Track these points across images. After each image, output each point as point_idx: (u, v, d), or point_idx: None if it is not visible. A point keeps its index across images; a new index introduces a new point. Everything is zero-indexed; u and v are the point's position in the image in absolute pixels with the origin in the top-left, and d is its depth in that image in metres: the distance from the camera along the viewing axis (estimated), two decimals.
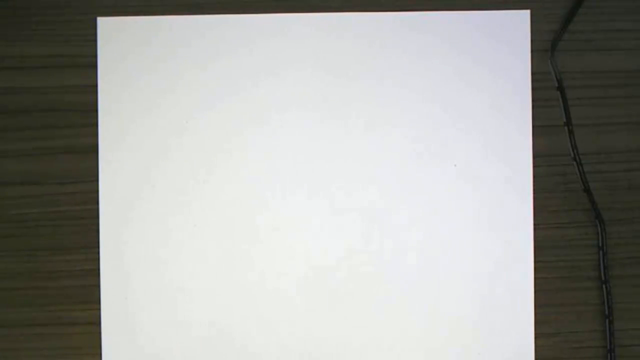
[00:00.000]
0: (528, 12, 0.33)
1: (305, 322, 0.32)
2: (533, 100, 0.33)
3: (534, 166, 0.33)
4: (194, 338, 0.32)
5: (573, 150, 0.32)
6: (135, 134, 0.32)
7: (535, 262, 0.33)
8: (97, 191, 0.32)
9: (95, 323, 0.32)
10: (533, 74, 0.33)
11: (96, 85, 0.33)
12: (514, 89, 0.33)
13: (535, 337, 0.33)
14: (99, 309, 0.32)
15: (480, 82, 0.33)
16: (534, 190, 0.33)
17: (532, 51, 0.34)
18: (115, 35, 0.32)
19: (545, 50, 0.34)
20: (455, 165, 0.33)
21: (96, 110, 0.33)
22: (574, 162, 0.32)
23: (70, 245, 0.32)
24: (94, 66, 0.33)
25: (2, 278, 0.33)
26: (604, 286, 0.33)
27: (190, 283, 0.32)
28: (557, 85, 0.32)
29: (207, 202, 0.33)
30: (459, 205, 0.33)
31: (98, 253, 0.32)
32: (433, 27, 0.32)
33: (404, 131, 0.33)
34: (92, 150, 0.33)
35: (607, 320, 0.33)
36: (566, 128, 0.32)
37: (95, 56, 0.33)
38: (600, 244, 0.33)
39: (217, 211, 0.33)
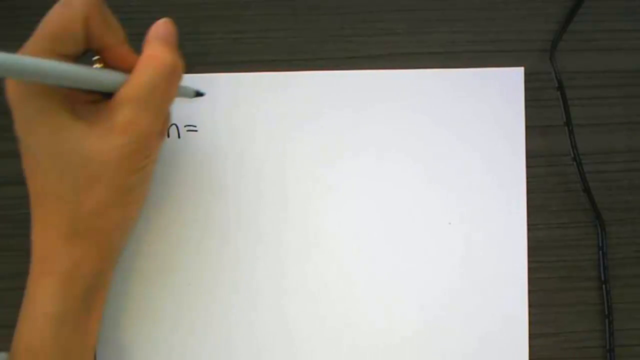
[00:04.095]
0: (522, 69, 0.33)
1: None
2: (532, 100, 0.33)
3: (534, 166, 0.33)
4: (190, 338, 0.32)
5: (573, 150, 0.32)
6: None
7: (535, 262, 0.33)
8: None
9: None
10: (533, 73, 0.33)
11: None
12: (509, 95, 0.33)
13: (535, 337, 0.33)
14: None
15: (474, 93, 0.33)
16: (534, 190, 0.33)
17: (532, 51, 0.34)
18: None
19: (545, 50, 0.34)
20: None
21: None
22: (574, 162, 0.32)
23: None
24: None
25: (2, 278, 0.33)
26: (604, 286, 0.33)
27: (186, 282, 0.32)
28: (557, 85, 0.32)
29: (203, 199, 0.33)
30: (454, 210, 0.33)
31: None
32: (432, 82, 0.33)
33: (409, 149, 0.33)
34: None
35: (606, 320, 0.33)
36: (566, 128, 0.32)
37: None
38: (600, 244, 0.33)
39: (214, 209, 0.33)
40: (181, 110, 0.33)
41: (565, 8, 0.34)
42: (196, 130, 0.33)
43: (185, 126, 0.33)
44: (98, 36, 0.26)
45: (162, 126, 0.28)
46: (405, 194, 0.33)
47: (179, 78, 0.27)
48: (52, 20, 0.25)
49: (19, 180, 0.33)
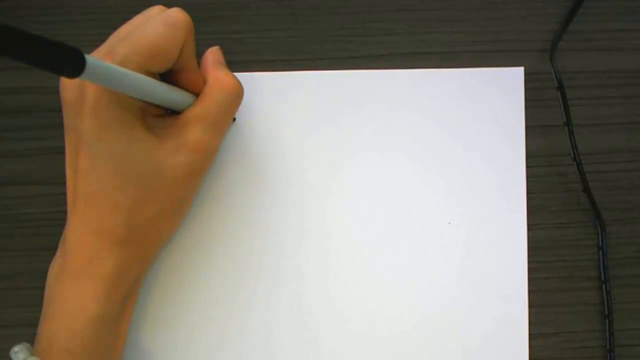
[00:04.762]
0: (522, 69, 0.33)
1: None
2: (532, 100, 0.33)
3: (534, 166, 0.33)
4: (192, 337, 0.32)
5: (573, 150, 0.32)
6: None
7: (535, 262, 0.33)
8: None
9: None
10: (533, 73, 0.34)
11: None
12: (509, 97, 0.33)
13: (535, 337, 0.33)
14: None
15: (475, 95, 0.33)
16: (534, 190, 0.33)
17: (532, 50, 0.34)
18: None
19: (545, 50, 0.34)
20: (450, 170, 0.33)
21: None
22: (574, 162, 0.32)
23: None
24: None
25: (2, 278, 0.33)
26: (603, 286, 0.33)
27: (188, 281, 0.32)
28: (557, 85, 0.32)
29: (204, 199, 0.33)
30: (453, 208, 0.33)
31: None
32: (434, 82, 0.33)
33: (410, 153, 0.33)
34: None
35: (606, 320, 0.33)
36: (566, 128, 0.32)
37: None
38: (600, 244, 0.33)
39: (214, 209, 0.33)
40: None
41: (565, 8, 0.34)
42: None
43: None
44: (185, 59, 0.27)
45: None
46: (405, 193, 0.33)
47: (241, 101, 0.30)
48: (153, 40, 0.25)
49: (19, 180, 0.33)
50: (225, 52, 0.33)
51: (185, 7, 0.33)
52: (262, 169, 0.33)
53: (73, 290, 0.27)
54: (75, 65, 0.21)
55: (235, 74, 0.33)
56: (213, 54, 0.30)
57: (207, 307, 0.32)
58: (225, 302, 0.32)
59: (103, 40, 0.28)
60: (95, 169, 0.26)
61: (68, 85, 0.26)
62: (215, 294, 0.32)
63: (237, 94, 0.29)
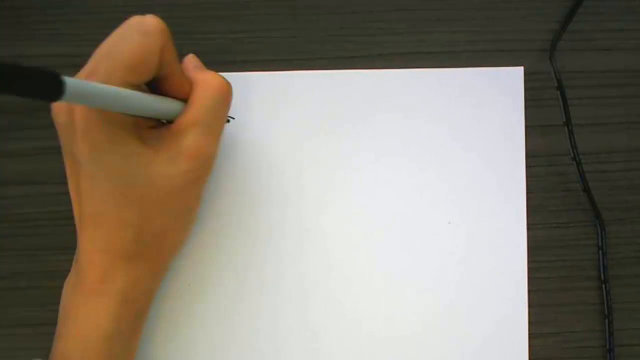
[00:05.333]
0: (522, 69, 0.33)
1: None
2: (532, 100, 0.33)
3: (534, 166, 0.33)
4: (193, 337, 0.32)
5: (573, 150, 0.32)
6: None
7: (535, 262, 0.33)
8: None
9: None
10: (533, 73, 0.34)
11: None
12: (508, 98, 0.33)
13: (535, 337, 0.33)
14: None
15: (473, 94, 0.33)
16: (534, 190, 0.33)
17: (532, 50, 0.34)
18: None
19: (545, 50, 0.34)
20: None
21: None
22: (574, 162, 0.32)
23: (70, 245, 0.32)
24: None
25: (2, 278, 0.33)
26: (604, 286, 0.33)
27: (188, 281, 0.32)
28: (557, 85, 0.32)
29: (207, 203, 0.33)
30: (455, 207, 0.33)
31: None
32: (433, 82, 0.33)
33: (408, 154, 0.33)
34: None
35: (606, 320, 0.33)
36: (566, 128, 0.32)
37: None
38: (600, 244, 0.33)
39: (214, 209, 0.33)
40: None
41: (565, 8, 0.34)
42: None
43: None
44: (167, 65, 0.26)
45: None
46: (405, 193, 0.33)
47: (231, 100, 0.29)
48: (131, 52, 0.25)
49: (19, 180, 0.33)
50: (225, 52, 0.33)
51: (185, 8, 0.33)
52: (261, 169, 0.33)
53: (86, 309, 0.27)
54: (54, 90, 0.20)
55: (235, 74, 0.33)
56: (191, 61, 0.29)
57: (210, 315, 0.32)
58: (226, 308, 0.32)
59: (103, 40, 0.27)
60: (96, 189, 0.26)
61: (59, 110, 0.26)
62: (215, 299, 0.32)
63: (226, 93, 0.28)
